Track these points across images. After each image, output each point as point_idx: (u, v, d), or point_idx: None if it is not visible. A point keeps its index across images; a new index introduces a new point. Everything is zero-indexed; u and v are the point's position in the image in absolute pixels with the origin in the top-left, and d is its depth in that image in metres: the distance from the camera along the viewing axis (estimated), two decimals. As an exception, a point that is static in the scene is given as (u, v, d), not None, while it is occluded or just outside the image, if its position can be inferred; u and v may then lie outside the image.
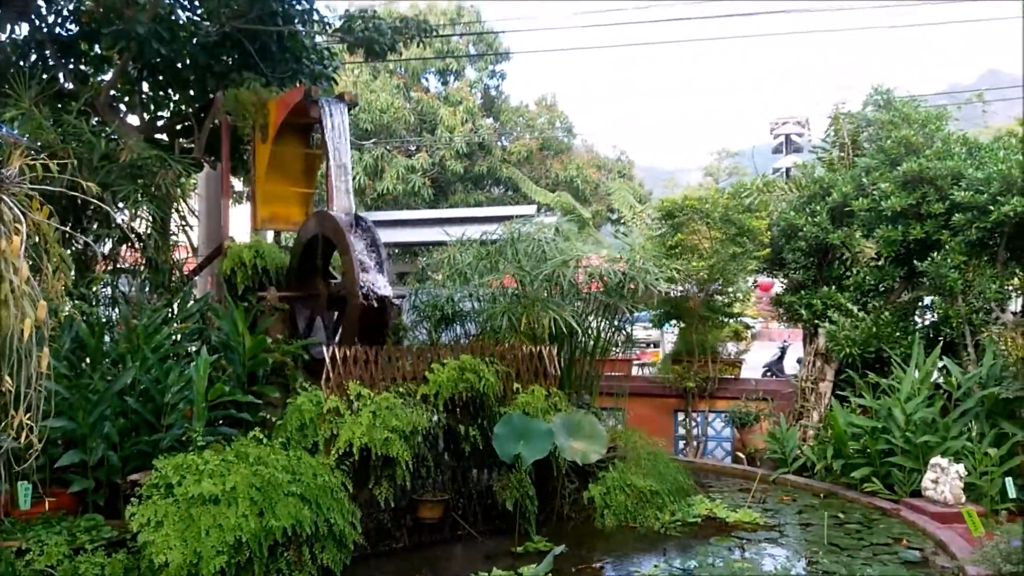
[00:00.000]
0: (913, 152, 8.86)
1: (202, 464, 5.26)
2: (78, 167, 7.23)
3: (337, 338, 7.85)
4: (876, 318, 8.76)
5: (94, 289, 7.80)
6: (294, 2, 9.92)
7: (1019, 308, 8.96)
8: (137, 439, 5.89)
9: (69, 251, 3.08)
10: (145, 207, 8.22)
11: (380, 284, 7.22)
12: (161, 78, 10.07)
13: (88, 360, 6.28)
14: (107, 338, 6.81)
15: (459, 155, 24.63)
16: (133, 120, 10.06)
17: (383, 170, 23.61)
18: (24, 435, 2.78)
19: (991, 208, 7.92)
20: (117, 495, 5.74)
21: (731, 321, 11.01)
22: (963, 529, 5.95)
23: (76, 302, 6.90)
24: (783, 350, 16.19)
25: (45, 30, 9.40)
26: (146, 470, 5.59)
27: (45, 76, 9.23)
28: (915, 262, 8.61)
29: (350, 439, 5.80)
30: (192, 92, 10.15)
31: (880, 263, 9.14)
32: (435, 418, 6.48)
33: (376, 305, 7.14)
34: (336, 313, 8.26)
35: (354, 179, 8.69)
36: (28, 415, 2.80)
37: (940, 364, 8.09)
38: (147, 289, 8.33)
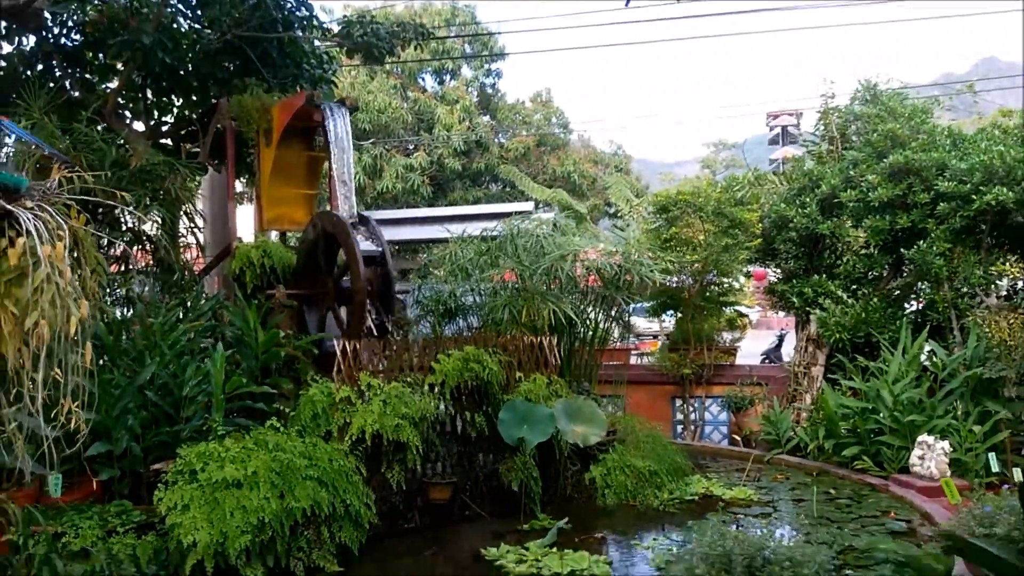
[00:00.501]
0: (899, 145, 9.16)
1: (223, 451, 5.56)
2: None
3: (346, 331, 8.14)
4: (865, 304, 9.07)
5: (108, 290, 8.09)
6: (294, 9, 10.20)
7: (1003, 293, 9.26)
8: (158, 431, 6.18)
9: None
10: (155, 211, 8.50)
11: (365, 244, 7.50)
12: (165, 85, 10.34)
13: (107, 357, 6.57)
14: (123, 336, 7.10)
15: (457, 153, 24.91)
16: (138, 126, 10.34)
17: (382, 169, 23.90)
18: (73, 422, 3.06)
19: (974, 197, 8.21)
20: (140, 484, 6.03)
21: (726, 310, 11.31)
22: (948, 502, 6.26)
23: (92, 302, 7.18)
24: (780, 338, 16.49)
25: (51, 40, 9.67)
26: (167, 460, 5.89)
27: (52, 85, 9.50)
28: (902, 250, 8.91)
29: (362, 426, 6.10)
30: (195, 98, 10.43)
31: (869, 251, 9.44)
32: (442, 406, 6.78)
33: (375, 271, 7.40)
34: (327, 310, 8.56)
35: (355, 179, 8.97)
36: (76, 403, 3.09)
37: (927, 348, 8.40)
38: (159, 289, 8.63)
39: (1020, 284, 9.49)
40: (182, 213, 9.04)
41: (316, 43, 10.87)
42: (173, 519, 5.18)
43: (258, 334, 7.17)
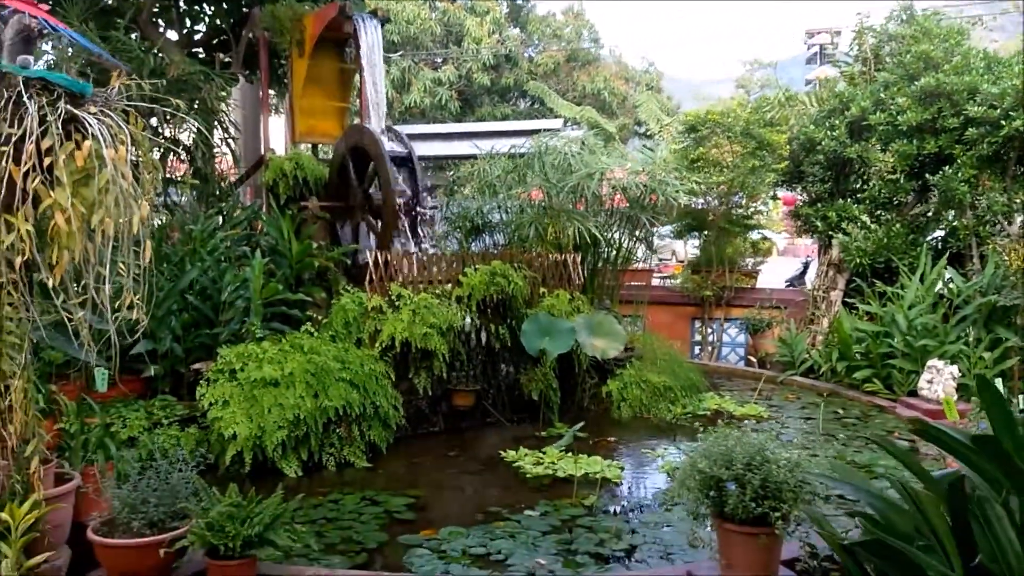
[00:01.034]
0: (932, 67, 9.04)
1: (261, 353, 5.90)
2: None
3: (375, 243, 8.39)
4: (888, 230, 9.14)
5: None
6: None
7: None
8: (198, 332, 6.52)
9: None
10: (192, 120, 8.67)
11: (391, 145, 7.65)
12: (197, -8, 10.36)
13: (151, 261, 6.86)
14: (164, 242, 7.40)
15: (486, 67, 24.60)
16: (171, 35, 10.40)
17: (410, 83, 23.73)
18: (136, 313, 3.33)
19: (1003, 123, 8.16)
20: (180, 383, 6.40)
21: (751, 234, 11.41)
22: (952, 424, 6.49)
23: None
24: (806, 265, 16.56)
25: (85, -56, 9.67)
26: (206, 360, 6.26)
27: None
28: (928, 176, 8.91)
29: (392, 333, 6.41)
30: (227, 7, 10.43)
31: (895, 177, 9.44)
32: (468, 317, 7.05)
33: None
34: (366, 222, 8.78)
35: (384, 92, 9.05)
36: (138, 296, 3.36)
37: (946, 275, 8.50)
38: (196, 198, 8.88)
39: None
40: (217, 123, 9.20)
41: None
42: (214, 413, 5.56)
43: (292, 244, 7.45)
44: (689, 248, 15.47)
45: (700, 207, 10.83)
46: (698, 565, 3.90)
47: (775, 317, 10.28)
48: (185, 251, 7.05)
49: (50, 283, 3.12)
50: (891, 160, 9.27)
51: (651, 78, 27.62)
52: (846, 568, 2.94)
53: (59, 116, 3.13)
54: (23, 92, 3.11)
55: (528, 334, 7.07)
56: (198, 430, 5.70)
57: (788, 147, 10.36)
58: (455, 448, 6.41)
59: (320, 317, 6.90)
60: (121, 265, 3.27)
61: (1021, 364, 7.50)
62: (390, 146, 7.90)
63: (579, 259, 8.01)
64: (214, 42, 10.77)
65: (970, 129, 8.46)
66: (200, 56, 10.37)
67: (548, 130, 10.32)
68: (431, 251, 7.64)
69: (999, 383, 7.14)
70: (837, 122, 9.84)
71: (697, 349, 11.08)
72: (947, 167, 8.58)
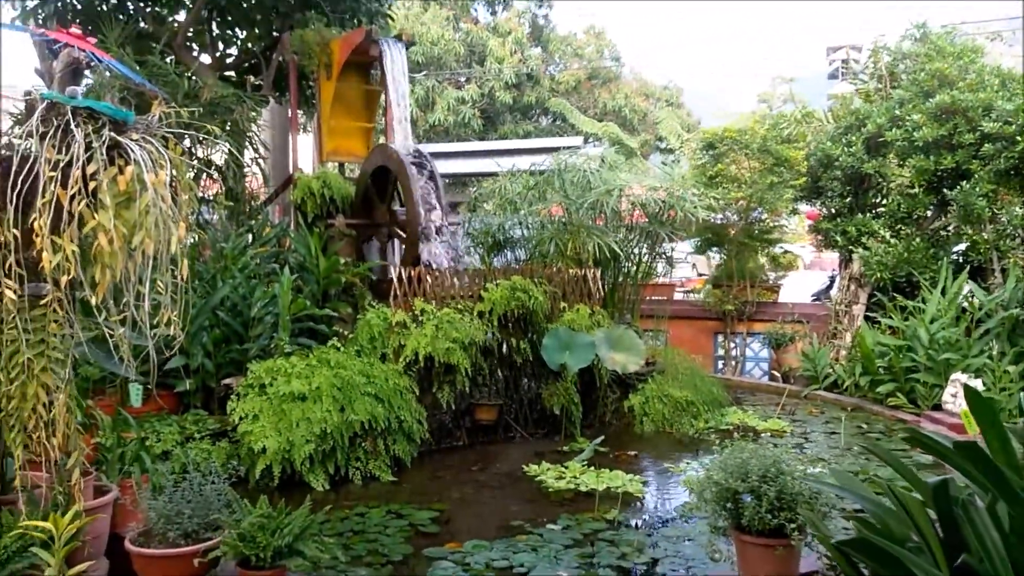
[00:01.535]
0: (946, 84, 9.07)
1: (290, 367, 6.05)
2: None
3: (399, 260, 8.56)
4: (907, 244, 9.14)
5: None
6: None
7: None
8: (228, 348, 6.68)
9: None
10: (224, 141, 8.91)
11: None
12: (230, 18, 10.65)
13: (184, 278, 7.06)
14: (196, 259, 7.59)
15: (508, 86, 24.86)
16: (204, 59, 10.70)
17: (434, 102, 24.04)
18: (173, 328, 3.48)
19: (1019, 138, 8.17)
20: (211, 397, 6.57)
21: (772, 248, 11.44)
22: (971, 437, 6.49)
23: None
24: (832, 279, 16.52)
25: (123, -28, 10.01)
26: (236, 375, 6.43)
27: (124, 18, 9.88)
28: (945, 191, 8.92)
29: (416, 348, 6.54)
30: (258, 31, 10.73)
31: (913, 191, 9.45)
32: (489, 332, 7.17)
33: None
34: (391, 238, 8.95)
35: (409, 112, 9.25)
36: (175, 313, 3.51)
37: (967, 288, 8.49)
38: (227, 216, 9.11)
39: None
40: (248, 144, 9.44)
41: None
42: (244, 427, 5.71)
43: (320, 260, 7.63)
44: (712, 262, 15.52)
45: (719, 222, 10.89)
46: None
47: (798, 331, 10.29)
48: (216, 268, 7.25)
49: (93, 301, 3.27)
50: (909, 175, 9.29)
51: (671, 94, 27.75)
52: (841, 568, 3.01)
53: (104, 143, 3.31)
54: (71, 120, 3.29)
55: (549, 348, 7.17)
56: (229, 444, 5.86)
57: (806, 163, 10.41)
58: (478, 462, 6.51)
59: (346, 332, 7.05)
60: (159, 283, 3.43)
61: (1046, 378, 7.47)
62: (414, 165, 8.07)
63: (599, 274, 8.11)
64: (245, 65, 11.08)
65: (986, 145, 8.47)
66: (232, 79, 10.66)
67: (568, 147, 10.45)
68: (454, 266, 7.78)
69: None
70: (854, 138, 9.87)
71: (720, 364, 11.11)
72: (965, 182, 8.58)
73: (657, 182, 8.90)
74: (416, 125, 23.49)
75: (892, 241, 9.30)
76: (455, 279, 7.34)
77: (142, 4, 10.18)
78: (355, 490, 5.71)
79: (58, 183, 3.24)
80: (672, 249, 10.05)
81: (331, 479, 5.74)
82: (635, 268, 9.22)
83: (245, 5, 10.19)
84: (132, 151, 3.26)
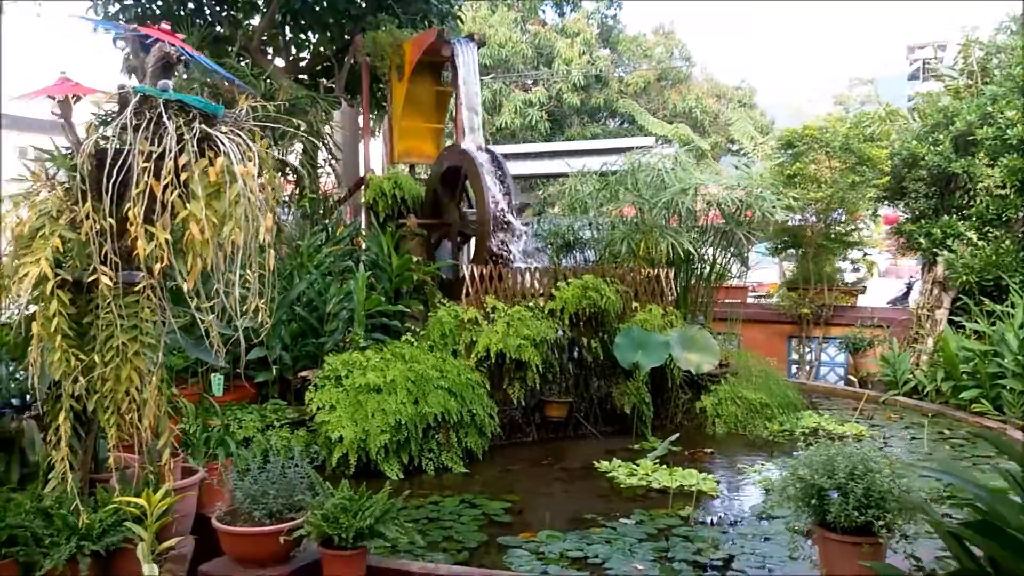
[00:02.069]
0: (1045, 78, 8.72)
1: (365, 361, 6.17)
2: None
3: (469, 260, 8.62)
4: (996, 247, 8.80)
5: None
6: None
7: None
8: (304, 342, 6.86)
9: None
10: (299, 143, 9.14)
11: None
12: (303, 22, 10.92)
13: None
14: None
15: (576, 88, 24.82)
16: (278, 63, 11.00)
17: (501, 105, 24.17)
18: (261, 316, 3.58)
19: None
20: (287, 389, 6.73)
21: (851, 252, 11.13)
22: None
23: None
24: (909, 286, 16.02)
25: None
26: (312, 368, 6.57)
27: (199, 21, 10.24)
28: (1039, 191, 8.57)
29: (488, 345, 6.58)
30: (330, 34, 10.97)
31: (1003, 192, 9.09)
32: (560, 330, 7.16)
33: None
34: (461, 238, 9.02)
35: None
36: (263, 301, 3.61)
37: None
38: (301, 216, 9.33)
39: None
40: (321, 145, 9.66)
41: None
42: (322, 417, 5.84)
43: (392, 259, 7.76)
44: (784, 267, 15.19)
45: (797, 223, 10.65)
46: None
47: (877, 336, 9.99)
48: (293, 265, 7.44)
49: (185, 287, 3.39)
50: (999, 175, 8.93)
51: (744, 95, 27.26)
52: (955, 553, 2.91)
53: (194, 135, 3.42)
54: (163, 113, 3.42)
55: (621, 347, 7.12)
56: (307, 433, 5.99)
57: (890, 162, 10.10)
58: (548, 457, 6.51)
59: (417, 328, 7.14)
60: (248, 273, 3.53)
61: None
62: (485, 165, 8.12)
63: (672, 275, 8.02)
64: (317, 69, 11.34)
65: (1085, 142, 8.10)
66: (305, 82, 10.93)
67: (640, 147, 10.37)
68: (524, 261, 7.80)
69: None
70: (941, 136, 9.55)
71: (794, 368, 10.86)
72: (1061, 182, 8.23)
73: (734, 181, 8.75)
74: (483, 128, 23.63)
75: (979, 244, 8.96)
76: (527, 277, 7.36)
77: (219, 8, 10.51)
78: (428, 480, 5.79)
79: (151, 174, 3.36)
80: (749, 251, 9.85)
81: (405, 469, 5.82)
82: (709, 269, 9.08)
83: (318, 9, 10.42)
84: (222, 143, 3.37)
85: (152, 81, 3.66)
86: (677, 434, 6.15)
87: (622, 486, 5.61)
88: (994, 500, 2.89)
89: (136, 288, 3.54)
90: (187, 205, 3.38)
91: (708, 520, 4.91)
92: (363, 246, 8.75)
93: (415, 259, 8.17)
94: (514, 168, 14.75)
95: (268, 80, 9.59)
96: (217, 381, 6.44)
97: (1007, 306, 8.18)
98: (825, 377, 10.73)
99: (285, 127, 8.48)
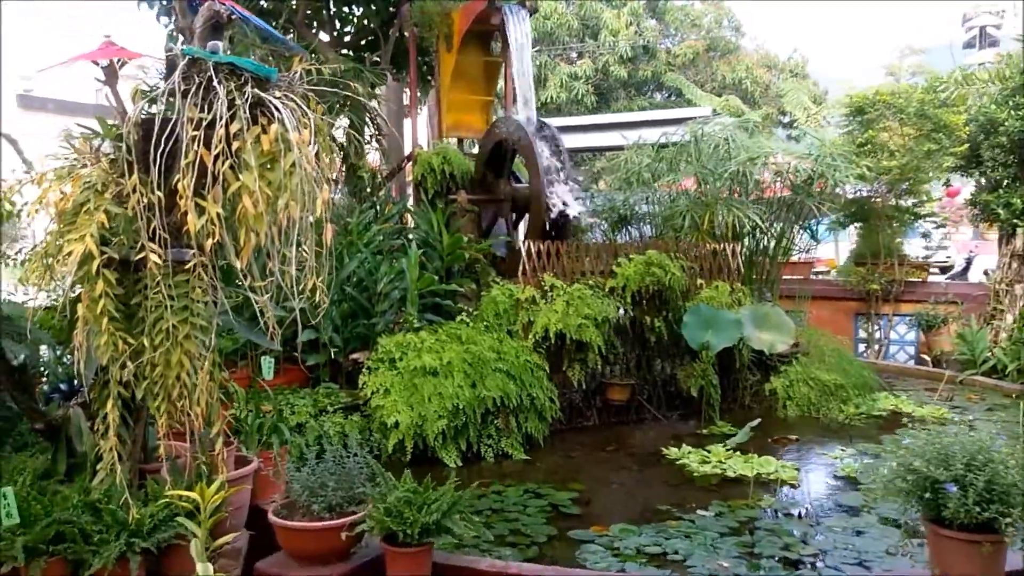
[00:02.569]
0: None
1: (419, 342, 5.91)
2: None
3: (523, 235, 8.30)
4: (1086, 217, 8.21)
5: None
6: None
7: None
8: (355, 323, 6.62)
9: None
10: (345, 116, 8.88)
11: (571, 205, 7.43)
12: (347, -6, 10.63)
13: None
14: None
15: (622, 60, 24.20)
16: (322, 37, 10.73)
17: (546, 78, 23.66)
18: (318, 295, 3.32)
19: None
20: (338, 372, 6.51)
21: (921, 224, 10.58)
22: None
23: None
24: (968, 261, 15.38)
25: (242, -50, 10.12)
26: (363, 350, 6.33)
27: (242, -6, 9.99)
28: None
29: (546, 325, 6.27)
30: (375, 7, 10.66)
31: (1095, 157, 8.47)
32: (622, 309, 6.83)
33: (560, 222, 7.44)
34: (515, 215, 8.69)
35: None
36: (320, 279, 3.34)
37: None
38: (348, 192, 9.10)
39: None
40: (368, 120, 9.39)
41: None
42: (376, 401, 5.61)
43: (443, 237, 7.47)
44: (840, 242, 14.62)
45: (866, 194, 10.10)
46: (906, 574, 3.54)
47: (951, 312, 9.47)
48: (343, 244, 7.20)
49: (238, 265, 3.14)
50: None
51: (796, 65, 26.33)
52: None
53: (246, 100, 3.15)
54: (213, 77, 3.16)
55: (690, 326, 6.75)
56: (361, 418, 5.76)
57: (966, 129, 9.50)
58: (611, 443, 6.21)
59: (470, 308, 6.87)
60: (304, 250, 3.27)
61: None
62: (538, 138, 7.76)
63: (737, 249, 7.62)
64: (362, 43, 11.05)
65: None
66: (349, 56, 10.65)
67: (699, 117, 9.91)
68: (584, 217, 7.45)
69: None
70: (1022, 100, 8.92)
71: (861, 347, 10.36)
72: None
73: (805, 149, 8.26)
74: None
75: (1065, 213, 8.37)
76: (585, 255, 7.01)
77: (262, -20, 10.25)
78: (487, 467, 5.54)
79: (201, 143, 3.11)
80: (819, 223, 9.37)
81: (463, 456, 5.58)
82: (775, 244, 8.63)
83: (362, -21, 10.12)
84: (277, 109, 3.10)
85: (201, 43, 3.40)
86: (759, 419, 5.80)
87: (695, 474, 5.28)
88: None
89: (186, 266, 3.29)
90: (239, 176, 3.12)
91: (795, 512, 4.56)
92: (411, 223, 8.49)
93: (466, 237, 7.89)
94: (568, 141, 14.38)
95: (314, 54, 9.34)
96: (268, 364, 6.22)
97: (1101, 280, 7.62)
98: (894, 356, 10.23)
99: (336, 98, 8.30)
